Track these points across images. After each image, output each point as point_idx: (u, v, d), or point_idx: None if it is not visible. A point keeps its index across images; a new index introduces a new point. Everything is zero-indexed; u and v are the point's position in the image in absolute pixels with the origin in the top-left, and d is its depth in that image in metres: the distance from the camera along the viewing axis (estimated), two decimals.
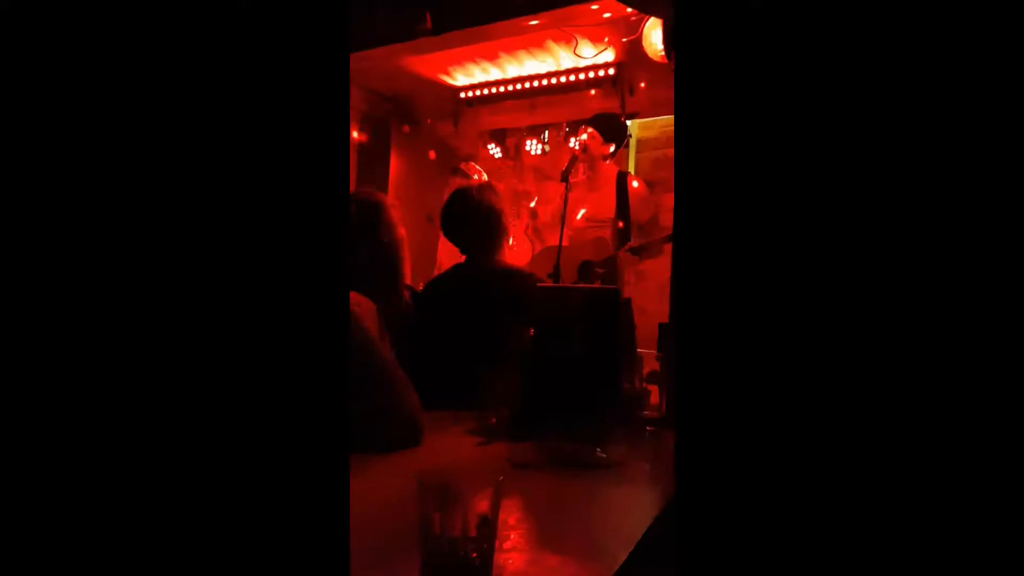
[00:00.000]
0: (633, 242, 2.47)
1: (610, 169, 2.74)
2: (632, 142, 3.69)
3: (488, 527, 0.57)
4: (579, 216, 2.65)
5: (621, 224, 2.50)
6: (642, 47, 2.65)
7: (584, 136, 2.71)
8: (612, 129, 2.72)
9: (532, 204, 3.27)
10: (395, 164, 3.75)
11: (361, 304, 1.16)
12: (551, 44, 3.07)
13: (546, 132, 3.73)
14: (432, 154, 3.73)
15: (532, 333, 1.34)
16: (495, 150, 3.88)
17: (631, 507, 0.85)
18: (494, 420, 1.26)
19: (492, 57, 3.29)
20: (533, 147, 3.75)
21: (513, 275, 1.65)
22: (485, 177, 3.18)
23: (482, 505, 0.58)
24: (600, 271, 2.11)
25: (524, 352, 1.32)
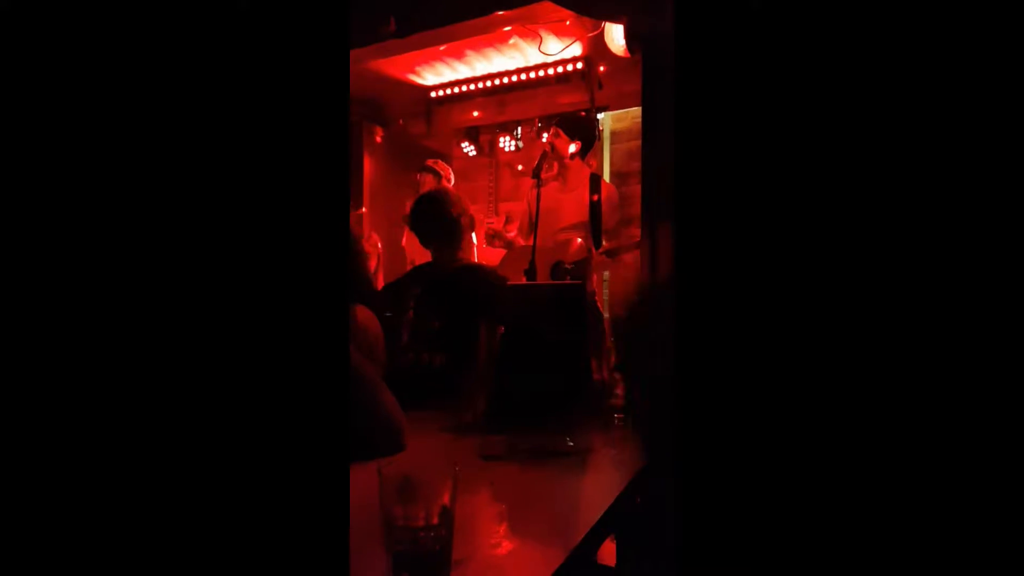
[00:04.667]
0: (607, 245, 2.52)
1: (582, 170, 2.77)
2: (606, 134, 3.73)
3: (447, 516, 0.60)
4: (559, 226, 2.67)
5: (592, 228, 2.54)
6: (604, 43, 2.68)
7: (552, 136, 2.74)
8: (577, 128, 2.74)
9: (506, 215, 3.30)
10: (368, 167, 3.76)
11: (367, 316, 1.17)
12: (517, 40, 3.10)
13: (519, 128, 3.76)
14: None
15: (502, 330, 1.38)
16: (469, 148, 3.90)
17: (594, 490, 0.89)
18: (469, 418, 1.30)
19: (460, 55, 3.31)
20: (507, 144, 3.78)
21: (476, 271, 1.69)
22: (451, 175, 3.20)
23: (444, 496, 0.62)
24: (569, 267, 2.15)
25: (495, 349, 1.36)
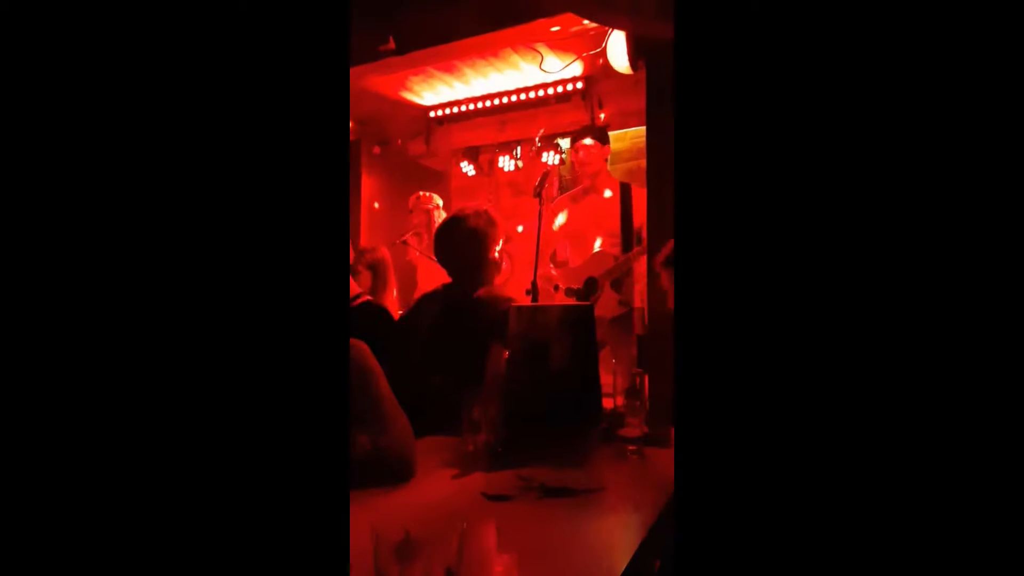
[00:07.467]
0: (637, 249, 2.42)
1: (612, 183, 2.71)
2: None
3: None
4: (597, 244, 2.60)
5: (622, 237, 2.48)
6: (606, 60, 2.65)
7: (584, 147, 2.67)
8: (603, 134, 2.72)
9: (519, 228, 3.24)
10: (366, 186, 3.72)
11: (359, 345, 1.12)
12: (517, 60, 3.08)
13: (518, 148, 3.72)
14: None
15: (507, 355, 1.30)
16: (468, 167, 3.86)
17: (614, 537, 0.81)
18: (471, 448, 1.22)
19: (458, 74, 3.29)
20: (506, 163, 3.74)
21: (490, 302, 1.62)
22: (440, 204, 3.13)
23: (448, 554, 0.54)
24: (595, 294, 2.08)
25: (500, 374, 1.28)
